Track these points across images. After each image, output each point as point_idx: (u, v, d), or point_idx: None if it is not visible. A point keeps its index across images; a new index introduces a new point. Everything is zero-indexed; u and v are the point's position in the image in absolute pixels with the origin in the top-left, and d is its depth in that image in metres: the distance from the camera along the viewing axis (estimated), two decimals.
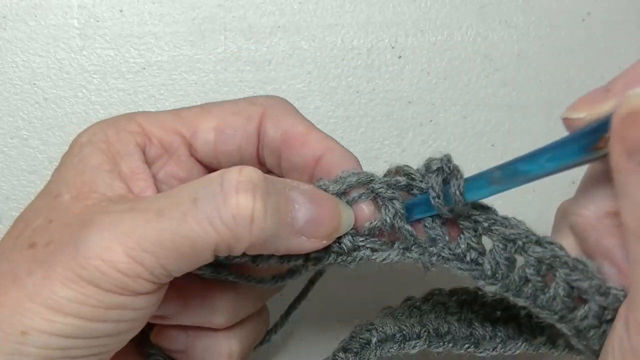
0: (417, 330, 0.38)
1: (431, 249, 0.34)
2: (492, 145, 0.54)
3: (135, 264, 0.30)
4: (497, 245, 0.34)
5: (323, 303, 0.51)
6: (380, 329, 0.38)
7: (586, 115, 0.31)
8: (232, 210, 0.30)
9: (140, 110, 0.51)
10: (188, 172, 0.38)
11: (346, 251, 0.35)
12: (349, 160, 0.37)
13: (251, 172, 0.31)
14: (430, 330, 0.38)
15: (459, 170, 0.34)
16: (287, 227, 0.32)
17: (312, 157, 0.37)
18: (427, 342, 0.38)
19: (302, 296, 0.44)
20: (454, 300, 0.41)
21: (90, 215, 0.32)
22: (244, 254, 0.34)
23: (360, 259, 0.35)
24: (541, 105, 0.55)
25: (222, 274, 0.36)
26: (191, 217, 0.30)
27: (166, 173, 0.38)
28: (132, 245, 0.30)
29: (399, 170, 0.36)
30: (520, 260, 0.34)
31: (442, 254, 0.34)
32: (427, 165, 0.35)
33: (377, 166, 0.54)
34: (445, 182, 0.34)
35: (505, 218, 0.35)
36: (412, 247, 0.35)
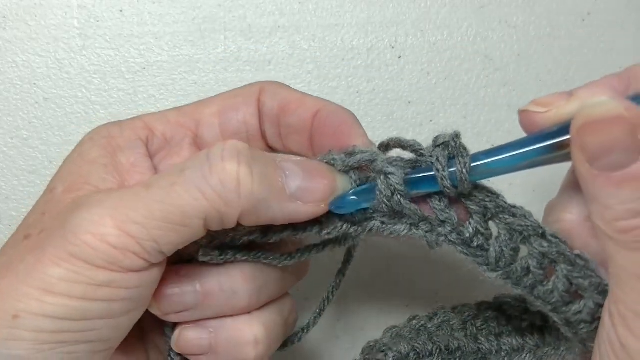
0: (429, 348, 0.39)
1: (439, 229, 0.34)
2: (492, 145, 0.54)
3: (126, 237, 0.30)
4: (504, 234, 0.34)
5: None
6: (395, 348, 0.38)
7: (546, 110, 0.32)
8: (218, 175, 0.31)
9: (141, 110, 0.51)
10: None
11: (357, 221, 0.35)
12: (343, 113, 0.38)
13: (235, 142, 0.32)
14: (442, 348, 0.39)
15: (465, 148, 0.34)
16: (277, 191, 0.32)
17: (310, 114, 0.38)
18: (439, 359, 0.39)
19: (334, 290, 0.44)
20: (458, 317, 0.41)
21: (79, 200, 0.32)
22: (251, 231, 0.34)
23: (370, 230, 0.35)
24: None
25: (229, 254, 0.35)
26: (179, 186, 0.31)
27: (168, 164, 0.38)
28: (121, 218, 0.30)
29: (401, 144, 0.36)
30: (523, 250, 0.34)
31: (450, 237, 0.34)
32: (435, 140, 0.35)
33: None
34: (452, 158, 0.33)
35: (514, 207, 0.35)
36: (420, 224, 0.35)
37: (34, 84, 0.50)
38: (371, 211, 0.35)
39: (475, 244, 0.34)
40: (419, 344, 0.38)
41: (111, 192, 0.32)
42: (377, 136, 0.54)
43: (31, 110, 0.50)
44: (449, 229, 0.34)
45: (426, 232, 0.35)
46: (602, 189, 0.29)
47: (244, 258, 0.36)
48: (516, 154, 0.32)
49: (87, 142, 0.37)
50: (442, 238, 0.34)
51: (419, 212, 0.34)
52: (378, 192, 0.34)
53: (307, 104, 0.38)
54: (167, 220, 0.31)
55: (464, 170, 0.33)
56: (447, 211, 0.34)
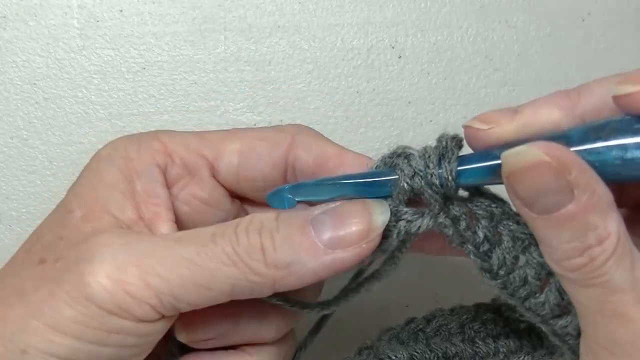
0: (427, 356, 0.38)
1: (458, 226, 0.34)
2: None
3: (146, 288, 0.30)
4: (507, 241, 0.33)
5: None
6: (393, 356, 0.38)
7: (488, 128, 0.31)
8: (245, 248, 0.31)
9: (141, 110, 0.51)
10: (210, 193, 0.37)
11: (389, 233, 0.34)
12: None
13: (260, 217, 0.32)
14: (440, 355, 0.39)
15: (453, 152, 0.33)
16: (308, 249, 0.31)
17: None
18: None
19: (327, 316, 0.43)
20: (455, 320, 0.41)
21: (103, 235, 0.31)
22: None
23: (402, 234, 0.34)
24: None
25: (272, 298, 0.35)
26: (210, 249, 0.30)
27: (188, 194, 0.37)
28: (146, 269, 0.30)
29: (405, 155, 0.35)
30: (522, 259, 0.34)
31: (465, 236, 0.33)
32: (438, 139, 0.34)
33: None
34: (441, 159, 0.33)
35: (517, 214, 0.34)
36: (440, 213, 0.33)
37: (34, 84, 0.50)
38: (392, 206, 0.33)
39: (482, 249, 0.33)
40: (416, 352, 0.38)
41: (139, 237, 0.31)
42: (377, 136, 0.54)
43: (31, 110, 0.50)
44: (464, 227, 0.33)
45: (450, 220, 0.33)
46: (543, 231, 0.29)
47: (279, 303, 0.36)
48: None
49: (105, 159, 0.35)
50: (460, 238, 0.33)
51: (438, 197, 0.33)
52: (400, 172, 0.33)
53: (346, 163, 0.36)
54: (193, 280, 0.30)
55: (449, 177, 0.32)
56: (460, 211, 0.34)
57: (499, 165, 0.29)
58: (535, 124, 0.31)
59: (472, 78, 0.54)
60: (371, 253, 0.32)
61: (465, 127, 0.32)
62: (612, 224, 0.28)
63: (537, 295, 0.33)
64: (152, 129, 0.51)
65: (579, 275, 0.29)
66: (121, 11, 0.51)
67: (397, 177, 0.33)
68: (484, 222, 0.33)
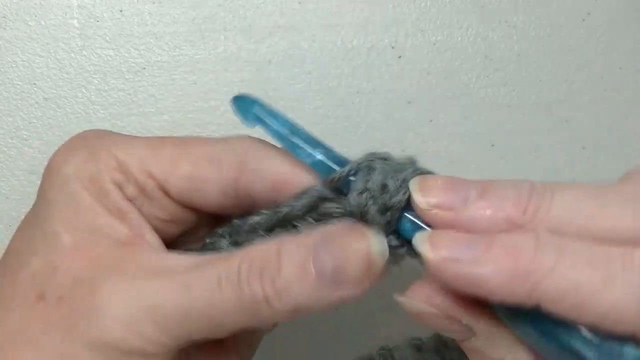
0: None
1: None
2: (492, 145, 0.54)
3: (162, 334, 0.30)
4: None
5: None
6: None
7: (433, 203, 0.30)
8: (246, 297, 0.30)
9: (141, 110, 0.51)
10: (169, 213, 0.35)
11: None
12: None
13: (261, 254, 0.30)
14: None
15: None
16: (309, 289, 0.30)
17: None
18: None
19: None
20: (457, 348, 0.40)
21: (106, 272, 0.31)
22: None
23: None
24: (541, 105, 0.55)
25: None
26: (217, 300, 0.30)
27: (147, 214, 0.35)
28: (159, 319, 0.30)
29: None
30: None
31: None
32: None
33: None
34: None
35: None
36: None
37: (34, 84, 0.50)
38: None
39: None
40: None
41: (146, 279, 0.31)
42: (377, 136, 0.54)
43: (31, 110, 0.50)
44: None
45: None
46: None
47: None
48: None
49: (73, 182, 0.33)
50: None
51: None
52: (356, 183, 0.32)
53: (302, 184, 0.34)
54: (205, 324, 0.30)
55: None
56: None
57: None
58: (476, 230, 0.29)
59: (472, 78, 0.54)
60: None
61: (412, 193, 0.31)
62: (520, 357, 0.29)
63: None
64: (152, 129, 0.52)
65: None
66: (121, 11, 0.51)
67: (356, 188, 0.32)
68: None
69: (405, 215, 0.31)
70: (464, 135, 0.53)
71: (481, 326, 0.29)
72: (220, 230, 0.35)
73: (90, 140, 0.34)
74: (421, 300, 0.28)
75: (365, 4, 0.53)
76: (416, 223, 0.31)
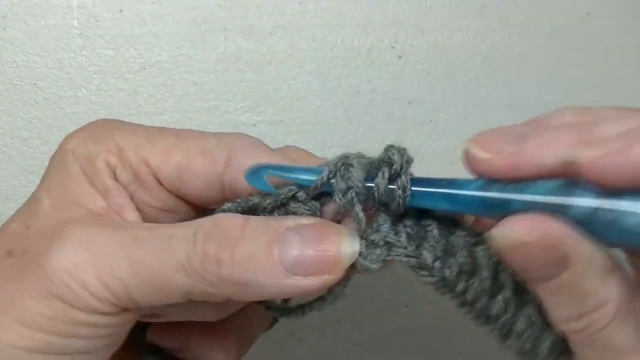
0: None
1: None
2: None
3: (104, 289, 0.30)
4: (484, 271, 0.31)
5: None
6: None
7: (488, 157, 0.29)
8: (200, 258, 0.30)
9: (141, 110, 0.51)
10: (161, 201, 0.36)
11: None
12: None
13: (226, 220, 0.31)
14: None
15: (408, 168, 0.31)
16: (268, 269, 0.30)
17: None
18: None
19: None
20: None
21: (67, 225, 0.32)
22: (284, 307, 0.34)
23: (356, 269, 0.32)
24: (541, 105, 0.55)
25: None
26: (165, 255, 0.30)
27: (139, 200, 0.36)
28: (104, 269, 0.30)
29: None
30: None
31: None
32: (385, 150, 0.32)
33: None
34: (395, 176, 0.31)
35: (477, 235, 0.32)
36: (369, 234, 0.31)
37: (34, 84, 0.50)
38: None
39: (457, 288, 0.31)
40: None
41: (100, 229, 0.31)
42: (377, 136, 0.54)
43: (31, 110, 0.50)
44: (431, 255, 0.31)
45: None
46: (541, 295, 0.29)
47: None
48: (455, 194, 0.30)
49: (69, 155, 0.35)
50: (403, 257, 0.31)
51: (362, 218, 0.31)
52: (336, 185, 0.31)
53: None
54: (149, 283, 0.30)
55: (403, 191, 0.30)
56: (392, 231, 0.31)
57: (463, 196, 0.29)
58: (540, 163, 0.29)
59: (472, 78, 0.54)
60: (333, 285, 0.31)
61: (466, 151, 0.31)
62: (610, 290, 0.28)
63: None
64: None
65: (578, 337, 0.29)
66: (121, 11, 0.51)
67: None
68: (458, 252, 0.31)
69: (425, 190, 0.30)
70: (464, 135, 0.53)
71: (583, 250, 0.28)
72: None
73: (98, 125, 0.36)
74: (528, 228, 0.27)
75: (365, 4, 0.53)
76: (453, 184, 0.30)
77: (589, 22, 0.55)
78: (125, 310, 0.31)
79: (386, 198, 0.31)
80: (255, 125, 0.52)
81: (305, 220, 0.32)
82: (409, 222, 0.32)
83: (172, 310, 0.36)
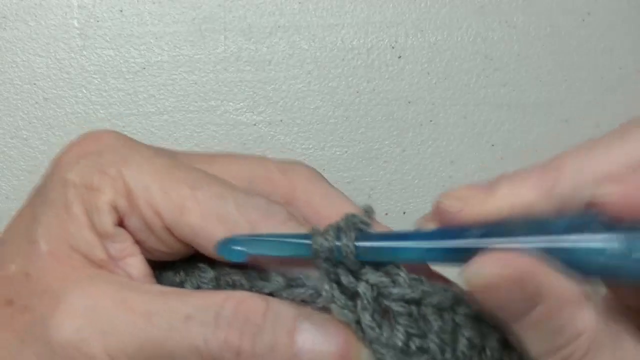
0: None
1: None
2: (492, 145, 0.54)
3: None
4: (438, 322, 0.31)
5: None
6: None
7: (459, 209, 0.30)
8: (218, 344, 0.29)
9: (141, 110, 0.51)
10: (171, 247, 0.34)
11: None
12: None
13: (250, 307, 0.30)
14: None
15: (356, 227, 0.31)
16: (287, 357, 0.29)
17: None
18: None
19: None
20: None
21: (70, 287, 0.31)
22: None
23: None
24: (541, 105, 0.55)
25: None
26: (180, 336, 0.29)
27: (146, 246, 0.34)
28: (111, 344, 0.29)
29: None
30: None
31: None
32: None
33: (377, 166, 0.54)
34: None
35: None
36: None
37: (34, 84, 0.50)
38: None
39: (414, 346, 0.30)
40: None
41: (105, 300, 0.30)
42: (377, 136, 0.54)
43: (31, 110, 0.50)
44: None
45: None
46: (520, 334, 0.29)
47: None
48: (407, 247, 0.30)
49: (70, 189, 0.33)
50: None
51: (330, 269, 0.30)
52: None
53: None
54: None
55: (349, 245, 0.30)
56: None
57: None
58: (510, 206, 0.29)
59: (472, 78, 0.54)
60: None
61: (437, 205, 0.30)
62: (583, 321, 0.28)
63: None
64: (152, 129, 0.52)
65: None
66: (121, 11, 0.51)
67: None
68: (401, 320, 0.30)
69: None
70: (464, 135, 0.53)
71: (553, 283, 0.28)
72: (202, 268, 0.34)
73: (104, 151, 0.34)
74: (498, 266, 0.27)
75: (365, 4, 0.53)
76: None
77: (589, 22, 0.55)
78: None
79: (339, 258, 0.30)
80: (255, 125, 0.52)
81: (321, 316, 0.31)
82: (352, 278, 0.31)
83: None
